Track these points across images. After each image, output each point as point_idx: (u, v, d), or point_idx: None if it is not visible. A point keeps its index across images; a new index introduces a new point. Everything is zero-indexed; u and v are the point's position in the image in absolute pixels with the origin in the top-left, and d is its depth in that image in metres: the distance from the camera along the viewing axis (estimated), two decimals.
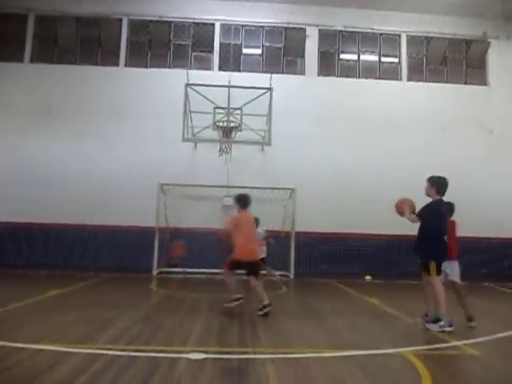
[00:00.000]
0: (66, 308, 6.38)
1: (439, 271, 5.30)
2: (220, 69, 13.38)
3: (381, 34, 13.95)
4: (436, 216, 5.40)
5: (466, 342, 4.75)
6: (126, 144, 12.53)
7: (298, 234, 11.73)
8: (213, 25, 13.60)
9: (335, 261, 12.32)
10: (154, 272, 11.15)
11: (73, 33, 13.31)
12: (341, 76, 13.73)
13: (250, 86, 10.59)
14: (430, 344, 4.78)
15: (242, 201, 6.58)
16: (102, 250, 11.92)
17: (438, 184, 5.52)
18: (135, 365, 3.76)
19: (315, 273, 11.83)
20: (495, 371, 4.08)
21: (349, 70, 13.86)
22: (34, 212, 11.80)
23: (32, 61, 13.27)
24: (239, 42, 13.69)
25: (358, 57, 13.96)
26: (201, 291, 8.59)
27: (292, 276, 11.40)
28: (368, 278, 11.40)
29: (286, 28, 13.67)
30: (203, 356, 4.00)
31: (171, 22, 13.54)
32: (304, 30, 13.69)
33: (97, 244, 11.98)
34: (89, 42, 13.49)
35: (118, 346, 4.31)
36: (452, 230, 5.73)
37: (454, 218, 5.82)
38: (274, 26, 13.71)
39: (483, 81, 13.91)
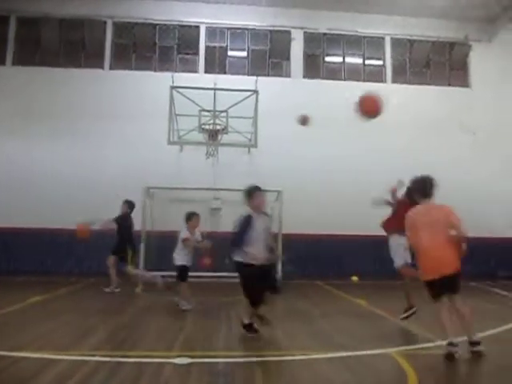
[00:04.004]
0: (49, 314, 6.27)
1: None
2: (205, 71, 13.37)
3: (365, 37, 14.08)
4: None
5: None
6: (111, 147, 12.42)
7: (284, 235, 11.72)
8: (198, 27, 13.59)
9: (322, 262, 12.35)
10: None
11: (56, 35, 13.17)
12: (326, 78, 13.82)
13: (235, 88, 10.60)
14: (416, 344, 4.81)
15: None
16: (85, 255, 11.75)
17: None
18: (121, 371, 3.70)
19: (302, 274, 11.83)
20: (481, 370, 4.12)
21: (334, 73, 13.96)
22: (16, 216, 11.59)
23: (14, 63, 13.09)
24: (224, 45, 13.69)
25: (343, 59, 14.07)
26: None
27: (279, 278, 11.38)
28: (354, 278, 11.45)
29: (271, 31, 13.72)
30: (189, 360, 3.96)
31: (156, 24, 13.48)
32: (289, 33, 13.76)
33: (80, 249, 11.79)
34: (72, 45, 13.37)
35: (103, 351, 4.25)
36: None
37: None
38: (260, 29, 13.75)
39: (465, 83, 14.12)
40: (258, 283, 4.91)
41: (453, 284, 4.35)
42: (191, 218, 7.00)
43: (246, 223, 5.00)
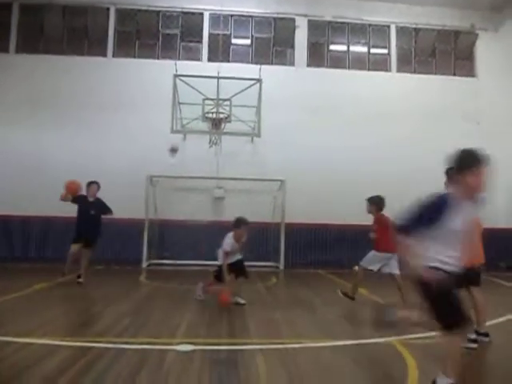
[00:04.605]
0: (53, 301, 6.35)
1: None
2: (209, 59, 13.28)
3: (370, 25, 13.93)
4: None
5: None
6: (114, 135, 12.40)
7: (287, 225, 11.76)
8: (201, 14, 13.47)
9: (325, 251, 12.39)
10: (144, 264, 11.13)
11: (59, 22, 13.10)
12: (330, 67, 13.71)
13: (239, 76, 10.55)
14: (417, 333, 4.84)
15: None
16: None
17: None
18: (124, 357, 3.75)
19: (305, 263, 11.89)
20: (483, 359, 4.15)
21: (338, 61, 13.84)
22: (20, 204, 11.63)
23: (17, 51, 13.03)
24: (228, 33, 13.58)
25: (348, 48, 13.95)
26: (190, 283, 8.59)
27: (282, 267, 11.45)
28: (357, 268, 11.46)
29: (275, 18, 13.59)
30: (192, 348, 4.01)
31: (159, 11, 13.37)
32: (293, 21, 13.63)
33: None
34: (76, 32, 13.28)
35: (106, 338, 4.31)
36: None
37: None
38: (263, 17, 13.62)
39: (471, 72, 13.99)
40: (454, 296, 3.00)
41: (476, 277, 4.55)
42: (240, 226, 6.20)
43: (438, 206, 2.97)
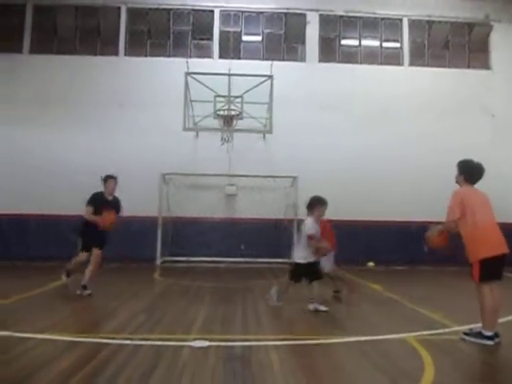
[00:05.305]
0: (69, 299, 6.42)
1: None
2: (220, 57, 13.27)
3: (382, 19, 13.76)
4: None
5: (469, 326, 4.76)
6: (127, 134, 12.48)
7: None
8: (212, 12, 13.46)
9: (338, 247, 12.29)
10: (158, 261, 11.21)
11: (71, 22, 13.21)
12: (342, 62, 13.59)
13: (250, 73, 10.52)
14: (432, 329, 4.80)
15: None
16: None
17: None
18: (140, 353, 3.79)
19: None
20: (498, 356, 4.10)
21: (350, 56, 13.72)
22: (33, 203, 11.76)
23: (31, 52, 13.17)
24: (239, 29, 13.55)
25: (360, 42, 13.81)
26: (204, 280, 8.65)
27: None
28: (371, 264, 11.43)
29: (286, 14, 13.52)
30: (207, 344, 4.03)
31: (170, 9, 13.40)
32: (304, 16, 13.54)
33: None
34: (88, 32, 13.37)
35: (122, 335, 4.35)
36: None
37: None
38: (274, 12, 13.56)
39: (486, 65, 13.75)
40: None
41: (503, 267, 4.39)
42: (319, 206, 5.81)
43: None
